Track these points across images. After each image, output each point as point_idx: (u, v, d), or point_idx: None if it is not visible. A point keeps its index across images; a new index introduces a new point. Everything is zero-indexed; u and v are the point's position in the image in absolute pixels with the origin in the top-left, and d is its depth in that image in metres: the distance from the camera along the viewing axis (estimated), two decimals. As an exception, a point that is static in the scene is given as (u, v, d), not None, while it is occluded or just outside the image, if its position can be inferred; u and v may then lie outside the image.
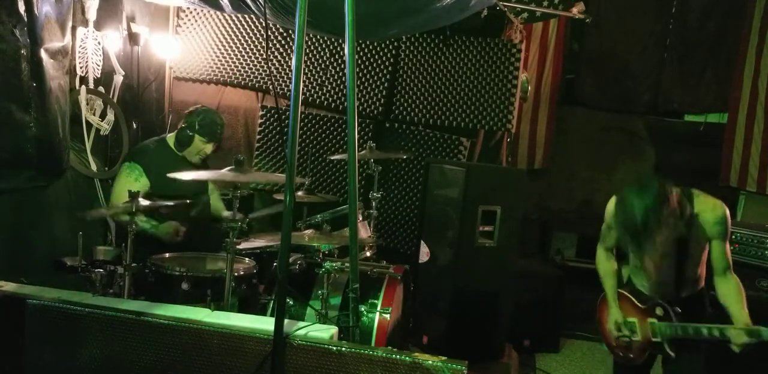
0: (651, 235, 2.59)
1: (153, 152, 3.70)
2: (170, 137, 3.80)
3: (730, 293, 2.72)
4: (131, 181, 3.55)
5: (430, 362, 2.10)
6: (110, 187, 3.98)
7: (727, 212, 2.76)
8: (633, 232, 2.60)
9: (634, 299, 2.88)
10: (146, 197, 3.09)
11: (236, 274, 2.94)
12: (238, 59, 4.95)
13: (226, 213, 3.90)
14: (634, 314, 2.87)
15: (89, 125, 3.84)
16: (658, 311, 2.79)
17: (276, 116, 4.95)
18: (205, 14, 4.91)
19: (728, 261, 2.76)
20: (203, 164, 3.82)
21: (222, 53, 4.95)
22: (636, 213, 2.53)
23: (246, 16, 4.81)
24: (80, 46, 3.65)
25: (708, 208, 2.75)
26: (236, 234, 2.77)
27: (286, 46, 4.89)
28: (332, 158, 4.53)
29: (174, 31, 4.91)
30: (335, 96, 4.89)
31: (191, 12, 4.93)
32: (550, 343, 4.77)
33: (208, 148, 3.73)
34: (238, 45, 4.94)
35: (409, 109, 4.86)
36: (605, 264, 3.05)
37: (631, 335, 2.85)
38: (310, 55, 4.88)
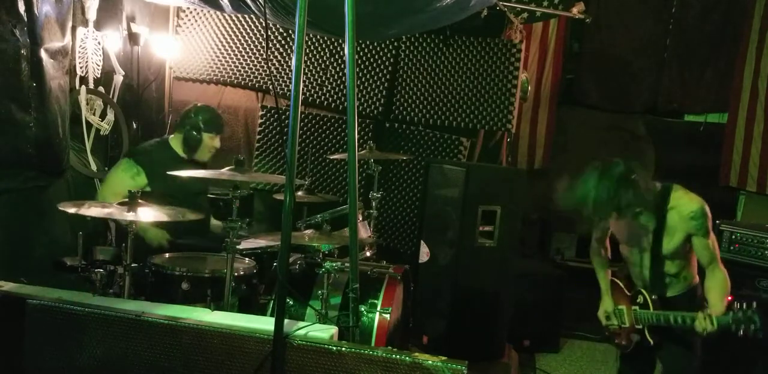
0: (603, 218, 2.79)
1: (155, 153, 3.69)
2: (173, 139, 3.76)
3: (712, 285, 2.79)
4: (127, 177, 3.52)
5: (430, 362, 2.10)
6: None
7: (705, 207, 2.78)
8: (586, 213, 2.67)
9: (624, 287, 3.03)
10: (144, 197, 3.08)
11: (236, 274, 2.94)
12: (238, 59, 4.95)
13: (214, 223, 3.90)
14: (623, 301, 3.01)
15: (89, 125, 3.84)
16: (639, 299, 2.93)
17: (276, 116, 4.95)
18: (205, 14, 4.91)
19: (712, 255, 2.80)
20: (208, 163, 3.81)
21: (222, 53, 4.95)
22: (590, 194, 2.61)
23: (246, 16, 4.81)
24: (80, 46, 3.65)
25: (682, 203, 2.79)
26: (236, 234, 2.77)
27: (286, 46, 4.89)
28: (332, 157, 4.53)
29: (174, 31, 4.92)
30: (335, 96, 4.89)
31: (191, 12, 4.93)
32: (550, 343, 4.77)
33: (216, 141, 3.77)
34: (238, 45, 4.94)
35: (409, 109, 4.86)
36: (597, 257, 3.19)
37: (620, 322, 2.99)
38: (310, 55, 4.88)
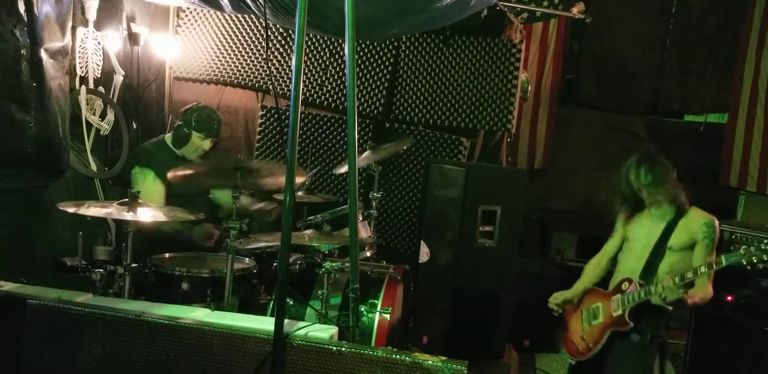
0: (641, 203, 3.04)
1: (154, 153, 3.70)
2: (168, 137, 3.79)
3: (695, 291, 2.90)
4: (150, 182, 3.53)
5: (430, 362, 2.10)
6: (111, 187, 3.98)
7: (717, 223, 2.98)
8: (628, 197, 3.08)
9: (602, 289, 3.14)
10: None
11: (236, 274, 2.94)
12: (238, 59, 4.94)
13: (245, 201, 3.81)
14: (600, 300, 3.09)
15: (89, 125, 3.84)
16: (624, 285, 3.00)
17: (276, 116, 4.95)
18: (205, 14, 4.91)
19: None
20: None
21: (222, 53, 4.95)
22: (639, 177, 3.01)
23: (246, 16, 4.81)
24: (80, 46, 3.65)
25: (699, 213, 3.02)
26: (236, 234, 2.77)
27: (286, 46, 4.89)
28: (337, 172, 4.47)
29: (174, 31, 4.91)
30: (335, 96, 4.89)
31: (191, 12, 4.92)
32: (550, 343, 4.77)
33: (206, 144, 3.73)
34: (238, 45, 4.94)
35: (409, 109, 4.86)
36: (591, 266, 3.33)
37: (593, 320, 3.07)
38: (310, 55, 4.88)
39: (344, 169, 4.35)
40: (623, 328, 2.92)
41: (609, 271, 3.26)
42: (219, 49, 4.95)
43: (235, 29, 4.93)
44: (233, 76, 4.96)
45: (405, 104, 4.87)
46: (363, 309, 3.08)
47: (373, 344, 3.03)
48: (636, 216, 3.15)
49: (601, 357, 3.03)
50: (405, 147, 4.59)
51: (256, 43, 4.91)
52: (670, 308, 2.97)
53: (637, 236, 3.13)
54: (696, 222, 2.97)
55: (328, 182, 4.99)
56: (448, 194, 3.91)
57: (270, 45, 4.88)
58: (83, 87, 3.73)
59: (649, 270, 2.99)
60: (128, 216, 2.63)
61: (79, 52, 3.65)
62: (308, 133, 4.92)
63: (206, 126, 3.68)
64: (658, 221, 3.05)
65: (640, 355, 2.97)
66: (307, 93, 4.91)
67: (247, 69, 4.94)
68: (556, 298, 3.27)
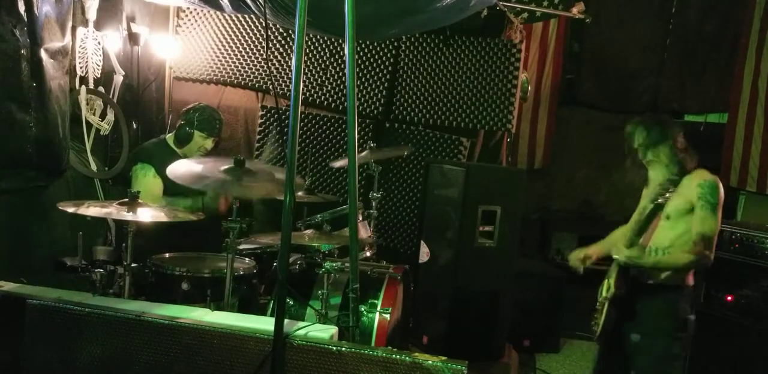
0: (641, 161, 2.93)
1: (155, 152, 3.71)
2: (170, 137, 3.81)
3: (680, 255, 2.79)
4: (150, 178, 3.55)
5: (430, 362, 2.10)
6: (111, 187, 3.99)
7: (717, 182, 2.79)
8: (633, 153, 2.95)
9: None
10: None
11: (236, 274, 2.94)
12: (238, 59, 4.94)
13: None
14: (607, 277, 3.02)
15: (89, 125, 3.84)
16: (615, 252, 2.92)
17: (276, 116, 4.95)
18: (205, 14, 4.91)
19: (701, 231, 2.71)
20: None
21: (222, 53, 4.95)
22: (634, 136, 2.94)
23: (246, 16, 4.81)
24: (80, 46, 3.65)
25: (700, 174, 2.85)
26: (236, 234, 2.77)
27: (286, 46, 4.89)
28: (334, 165, 4.49)
29: (174, 31, 4.91)
30: (335, 96, 4.89)
31: (191, 12, 4.92)
32: (550, 343, 4.77)
33: (209, 143, 3.75)
34: (238, 45, 4.94)
35: (409, 109, 4.86)
36: (617, 231, 3.22)
37: (600, 297, 3.01)
38: (310, 55, 4.88)
39: (340, 163, 4.37)
40: (611, 295, 2.86)
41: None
42: (219, 49, 4.95)
43: (235, 29, 4.93)
44: (233, 76, 4.96)
45: (405, 104, 4.87)
46: (363, 309, 3.08)
47: (373, 344, 3.03)
48: (645, 188, 3.07)
49: (622, 345, 2.98)
50: (406, 153, 4.62)
51: (256, 43, 4.91)
52: (661, 277, 2.84)
53: (641, 206, 3.00)
54: (693, 183, 2.75)
55: (328, 182, 4.99)
56: (448, 194, 3.91)
57: (270, 45, 4.88)
58: (83, 87, 3.73)
59: (639, 236, 2.81)
60: (128, 216, 2.63)
61: (79, 52, 3.65)
62: (308, 133, 4.92)
63: (208, 125, 3.71)
64: (657, 186, 2.87)
65: (642, 355, 2.92)
66: (307, 93, 4.91)
67: (247, 69, 4.94)
68: (575, 255, 3.13)
